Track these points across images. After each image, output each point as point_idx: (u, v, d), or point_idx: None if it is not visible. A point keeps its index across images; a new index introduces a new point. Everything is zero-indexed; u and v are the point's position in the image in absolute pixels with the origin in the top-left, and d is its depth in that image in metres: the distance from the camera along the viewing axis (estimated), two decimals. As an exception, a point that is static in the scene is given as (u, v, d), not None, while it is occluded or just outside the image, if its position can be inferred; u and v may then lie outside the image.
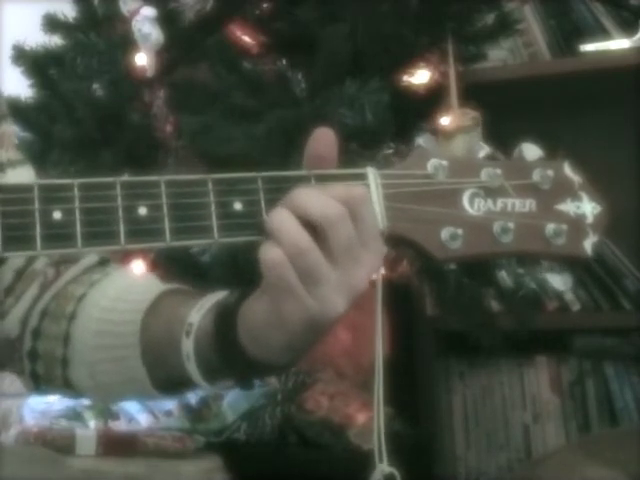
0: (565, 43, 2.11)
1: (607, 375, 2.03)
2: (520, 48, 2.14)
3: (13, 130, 0.99)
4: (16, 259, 0.92)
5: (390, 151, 1.70)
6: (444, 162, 0.77)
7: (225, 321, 0.76)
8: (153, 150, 1.83)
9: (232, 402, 1.81)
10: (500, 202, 0.77)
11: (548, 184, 0.79)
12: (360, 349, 1.85)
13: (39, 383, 0.92)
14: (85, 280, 0.93)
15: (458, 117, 1.75)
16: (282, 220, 0.70)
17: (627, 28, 2.03)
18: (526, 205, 0.78)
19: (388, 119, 1.70)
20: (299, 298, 0.69)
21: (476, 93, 1.76)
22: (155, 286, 0.90)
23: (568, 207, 0.79)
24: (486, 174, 0.77)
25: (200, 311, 0.79)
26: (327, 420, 1.76)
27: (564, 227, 0.78)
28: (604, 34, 2.05)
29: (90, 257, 0.95)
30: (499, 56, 2.10)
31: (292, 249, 0.68)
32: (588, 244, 0.79)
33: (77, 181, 0.69)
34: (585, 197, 0.80)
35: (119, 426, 1.74)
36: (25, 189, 0.68)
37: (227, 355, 0.76)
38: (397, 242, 0.75)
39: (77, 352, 0.88)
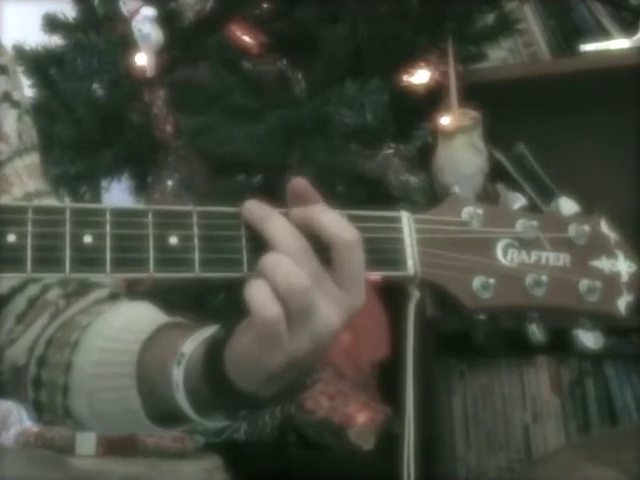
0: (565, 43, 2.11)
1: (607, 375, 2.03)
2: (520, 48, 2.14)
3: (40, 160, 1.00)
4: (32, 289, 0.91)
5: (390, 151, 1.70)
6: (479, 210, 0.76)
7: (214, 351, 0.76)
8: (153, 150, 1.83)
9: (232, 402, 1.81)
10: (534, 254, 0.76)
11: (583, 239, 0.78)
12: (360, 349, 1.85)
13: (42, 412, 0.92)
14: (93, 311, 0.92)
15: (458, 117, 1.75)
16: (278, 260, 0.69)
17: (627, 28, 2.03)
18: (560, 259, 0.77)
19: (388, 119, 1.70)
20: (283, 346, 0.69)
21: (476, 93, 1.76)
22: (157, 318, 0.90)
23: (603, 264, 0.78)
24: (521, 225, 0.76)
25: (194, 342, 0.79)
26: (327, 420, 1.76)
27: (598, 284, 0.77)
28: (604, 34, 2.05)
29: (101, 291, 0.95)
30: (499, 56, 2.09)
31: (287, 289, 0.68)
32: (622, 303, 0.78)
33: (110, 207, 0.69)
34: (621, 255, 0.79)
35: (119, 426, 1.74)
36: (57, 211, 0.68)
37: (214, 385, 0.75)
38: (428, 287, 0.75)
39: (77, 380, 0.88)
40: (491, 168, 1.80)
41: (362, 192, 1.67)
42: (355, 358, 1.85)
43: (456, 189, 0.78)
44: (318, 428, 1.77)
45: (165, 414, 0.83)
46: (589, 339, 0.81)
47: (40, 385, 0.90)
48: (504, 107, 1.78)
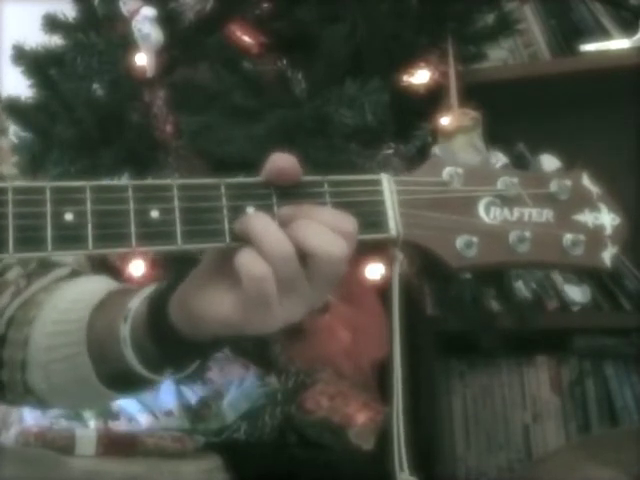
0: (565, 43, 2.11)
1: (607, 375, 2.03)
2: (520, 48, 2.14)
3: (10, 144, 1.00)
4: None
5: (390, 151, 1.70)
6: (459, 170, 0.76)
7: (157, 302, 0.77)
8: (153, 150, 1.82)
9: (232, 402, 1.81)
10: (517, 211, 0.76)
11: (566, 194, 0.78)
12: (360, 349, 1.85)
13: (3, 392, 0.92)
14: (53, 288, 0.93)
15: (458, 117, 1.75)
16: (265, 226, 0.69)
17: (627, 28, 2.03)
18: (543, 215, 0.77)
19: (388, 119, 1.70)
20: (271, 309, 0.69)
21: (476, 93, 1.76)
22: (108, 286, 0.90)
23: (586, 218, 0.78)
24: (503, 183, 0.76)
25: (140, 297, 0.80)
26: (327, 420, 1.76)
27: (582, 238, 0.77)
28: (604, 34, 2.05)
29: (62, 269, 0.95)
30: (499, 56, 2.10)
31: (277, 258, 0.67)
32: (607, 256, 0.78)
33: (89, 183, 0.69)
34: (604, 208, 0.79)
35: (119, 426, 1.74)
36: (37, 190, 0.68)
37: (158, 335, 0.76)
38: (411, 249, 0.74)
39: (34, 354, 0.89)
40: (491, 168, 1.80)
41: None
42: (355, 358, 1.85)
43: (437, 150, 0.78)
44: (318, 428, 1.77)
45: (117, 376, 0.83)
46: (576, 293, 0.81)
47: (1, 365, 0.91)
48: (504, 107, 1.78)
